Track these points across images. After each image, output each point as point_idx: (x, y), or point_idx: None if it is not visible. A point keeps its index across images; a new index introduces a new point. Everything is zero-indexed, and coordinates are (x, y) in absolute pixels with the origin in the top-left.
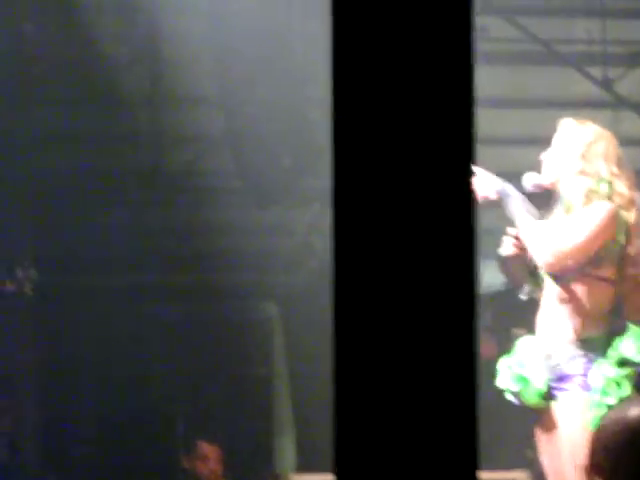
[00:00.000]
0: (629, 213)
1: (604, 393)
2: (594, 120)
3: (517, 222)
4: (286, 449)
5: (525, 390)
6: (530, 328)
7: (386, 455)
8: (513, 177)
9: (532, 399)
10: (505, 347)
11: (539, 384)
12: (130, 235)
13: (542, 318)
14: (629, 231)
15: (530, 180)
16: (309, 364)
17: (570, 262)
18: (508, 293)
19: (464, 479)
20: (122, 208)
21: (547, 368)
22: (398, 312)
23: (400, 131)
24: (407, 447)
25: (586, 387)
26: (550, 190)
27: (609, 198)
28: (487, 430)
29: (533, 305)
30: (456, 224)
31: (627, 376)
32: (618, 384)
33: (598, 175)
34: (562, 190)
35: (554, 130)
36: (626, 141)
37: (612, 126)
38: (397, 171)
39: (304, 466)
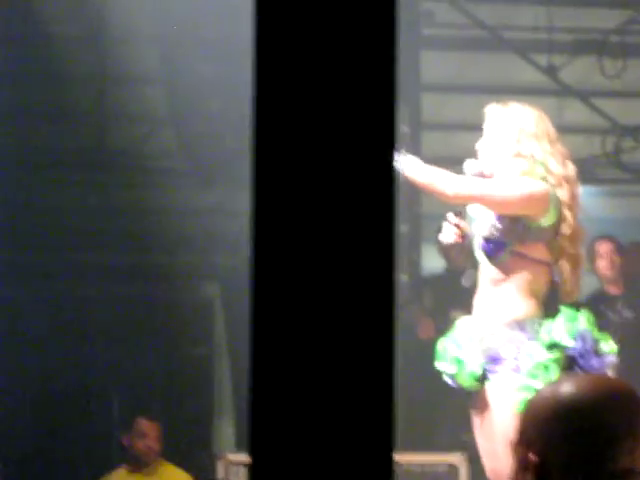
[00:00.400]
0: (562, 191)
1: (532, 376)
2: (538, 107)
3: (424, 177)
4: (225, 428)
5: (460, 372)
6: (468, 310)
7: (301, 437)
8: (457, 162)
9: (467, 381)
10: (444, 329)
11: (474, 366)
12: (72, 214)
13: (478, 300)
14: (562, 209)
15: (470, 167)
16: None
17: (473, 202)
18: (448, 275)
19: (379, 460)
20: (65, 187)
21: (481, 350)
22: (317, 297)
23: (322, 118)
24: (322, 427)
25: (517, 370)
26: (489, 175)
27: (544, 179)
28: (425, 412)
29: (472, 287)
30: (377, 212)
31: (556, 360)
32: (546, 368)
33: (533, 157)
34: (499, 174)
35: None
36: (570, 129)
37: (556, 113)
38: (318, 160)
39: (243, 446)
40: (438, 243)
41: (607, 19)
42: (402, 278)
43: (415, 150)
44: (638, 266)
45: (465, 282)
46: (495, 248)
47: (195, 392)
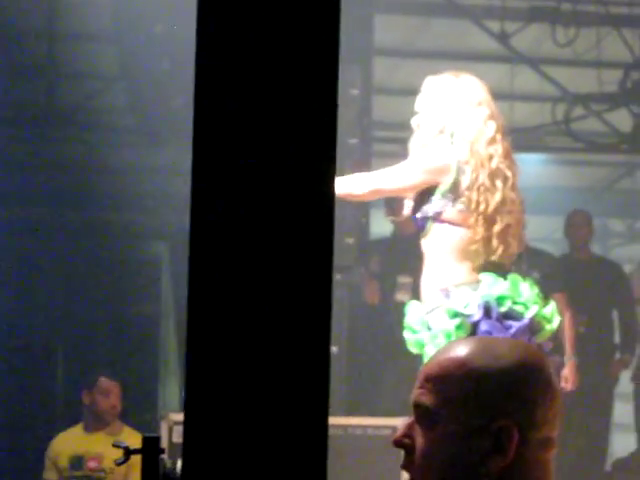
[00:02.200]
0: (464, 152)
1: (434, 343)
2: (490, 74)
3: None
4: (170, 388)
5: (410, 339)
6: (415, 275)
7: (237, 396)
8: (407, 127)
9: (415, 347)
10: (390, 293)
11: (419, 334)
12: (22, 170)
13: (422, 269)
14: (461, 171)
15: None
16: None
17: (380, 195)
18: (395, 240)
19: (314, 422)
20: (16, 142)
21: (424, 318)
22: (255, 248)
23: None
24: (258, 386)
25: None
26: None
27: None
28: (370, 376)
29: (418, 252)
30: (316, 198)
31: (459, 327)
32: (448, 335)
33: (451, 131)
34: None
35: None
36: (521, 96)
37: (507, 80)
38: (260, 118)
39: None
40: (387, 202)
41: None
42: (349, 241)
43: (366, 113)
44: (580, 231)
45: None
46: (421, 222)
47: (141, 351)
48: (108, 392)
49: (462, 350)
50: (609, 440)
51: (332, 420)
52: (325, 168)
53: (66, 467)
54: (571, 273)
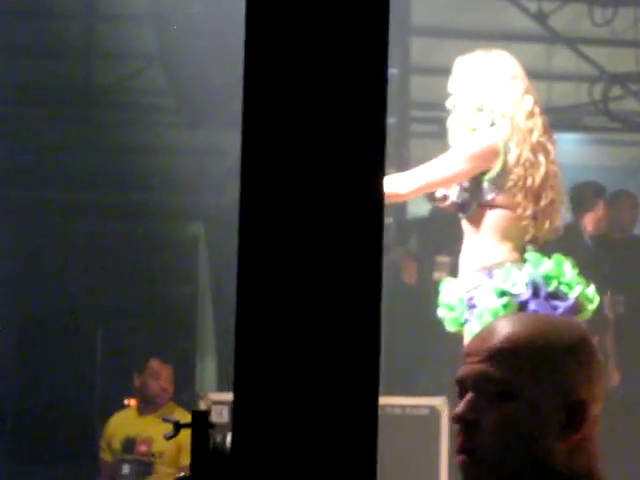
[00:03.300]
0: (507, 129)
1: (480, 322)
2: (527, 53)
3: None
4: (208, 368)
5: (446, 317)
6: (453, 255)
7: (285, 377)
8: (443, 107)
9: (452, 326)
10: (428, 273)
11: (457, 312)
12: (60, 151)
13: (462, 250)
14: (510, 150)
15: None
16: (235, 285)
17: (426, 191)
18: (434, 220)
19: (364, 403)
20: (54, 123)
21: (463, 297)
22: (305, 238)
23: (313, 63)
24: (308, 368)
25: (486, 316)
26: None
27: (492, 125)
28: (409, 356)
29: (457, 232)
30: (367, 162)
31: (506, 306)
32: (495, 313)
33: (491, 109)
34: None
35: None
36: (558, 76)
37: (544, 60)
38: (309, 104)
39: (226, 385)
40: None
41: None
42: (388, 221)
43: (403, 93)
44: (623, 214)
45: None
46: (464, 206)
47: (179, 331)
48: (158, 375)
49: (530, 325)
50: None
51: None
52: (375, 157)
53: (118, 449)
54: (608, 253)
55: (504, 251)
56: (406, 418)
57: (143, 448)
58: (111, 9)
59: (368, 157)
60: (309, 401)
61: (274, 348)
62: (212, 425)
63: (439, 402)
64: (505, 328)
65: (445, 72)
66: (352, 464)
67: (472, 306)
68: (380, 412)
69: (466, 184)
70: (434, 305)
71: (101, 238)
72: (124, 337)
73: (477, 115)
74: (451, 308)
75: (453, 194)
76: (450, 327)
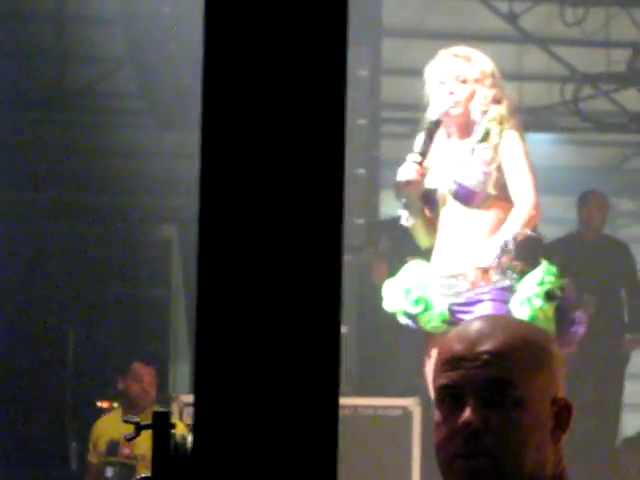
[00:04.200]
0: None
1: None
2: (499, 54)
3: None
4: (181, 370)
5: (426, 313)
6: (423, 256)
7: (247, 382)
8: (415, 108)
9: (433, 322)
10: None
11: (441, 308)
12: (31, 153)
13: (443, 243)
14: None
15: (439, 109)
16: None
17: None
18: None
19: (325, 403)
20: (25, 126)
21: (453, 292)
22: (265, 239)
23: (272, 68)
24: (267, 368)
25: (497, 312)
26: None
27: (509, 122)
28: (380, 357)
29: (413, 227)
30: (327, 154)
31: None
32: (545, 313)
33: (502, 101)
34: (475, 117)
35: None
36: (529, 76)
37: (516, 61)
38: (269, 107)
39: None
40: (395, 183)
41: None
42: (358, 222)
43: (374, 94)
44: (593, 214)
45: (406, 221)
46: (472, 194)
47: (152, 333)
48: (141, 378)
49: (518, 328)
50: (620, 420)
51: (342, 400)
52: (334, 149)
53: (103, 452)
54: (578, 253)
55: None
56: (378, 419)
57: (126, 451)
58: (81, 11)
59: (328, 154)
60: (270, 401)
61: (234, 348)
62: (173, 425)
63: (411, 403)
64: (498, 331)
65: (417, 73)
66: (313, 464)
67: (473, 302)
68: (352, 413)
69: (487, 176)
70: None
71: (73, 240)
72: (96, 340)
73: (493, 107)
74: (431, 304)
75: (462, 176)
76: (429, 323)
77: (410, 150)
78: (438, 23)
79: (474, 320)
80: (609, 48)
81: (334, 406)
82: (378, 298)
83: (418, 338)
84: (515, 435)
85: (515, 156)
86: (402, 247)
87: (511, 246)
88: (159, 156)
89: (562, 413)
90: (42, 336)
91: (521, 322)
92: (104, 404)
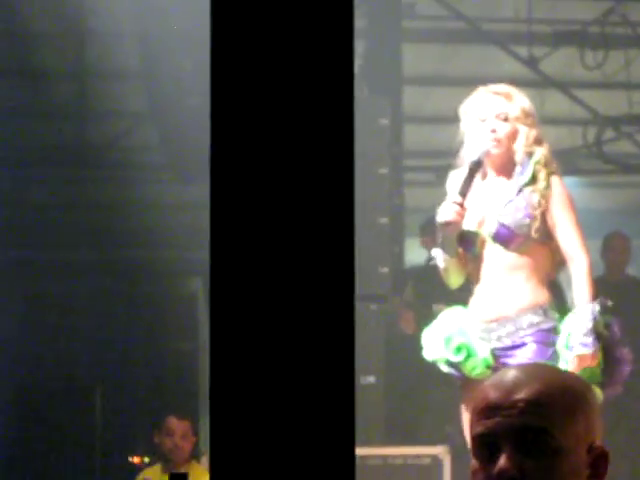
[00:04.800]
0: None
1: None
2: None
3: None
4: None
5: (469, 360)
6: (450, 303)
7: (263, 435)
8: (438, 155)
9: (477, 369)
10: (426, 322)
11: (484, 353)
12: (55, 211)
13: (484, 287)
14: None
15: (480, 149)
16: None
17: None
18: (430, 268)
19: (341, 457)
20: (48, 183)
21: (495, 337)
22: (277, 289)
23: (280, 113)
24: (284, 425)
25: (541, 354)
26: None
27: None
28: (409, 405)
29: (444, 267)
30: (337, 208)
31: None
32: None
33: (542, 142)
34: (521, 159)
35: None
36: (551, 120)
37: (537, 105)
38: (277, 154)
39: None
40: (422, 231)
41: (587, 10)
42: (383, 270)
43: (396, 143)
44: (618, 256)
45: (441, 262)
46: (513, 236)
47: (181, 387)
48: (172, 431)
49: (554, 376)
50: None
51: (371, 450)
52: (344, 187)
53: None
54: (606, 295)
55: (548, 290)
56: (408, 468)
57: None
58: (101, 67)
59: (338, 184)
60: (286, 455)
61: (248, 399)
62: None
63: (441, 451)
64: (533, 379)
65: (438, 120)
66: None
67: (517, 346)
68: (382, 462)
69: (530, 218)
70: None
71: (98, 297)
72: (126, 396)
73: (538, 148)
74: (474, 351)
75: (505, 217)
76: (473, 370)
77: (434, 197)
78: (458, 70)
79: (510, 368)
80: (630, 90)
81: (350, 455)
82: (405, 346)
83: (446, 386)
84: None
85: (565, 206)
86: (428, 295)
87: (599, 315)
88: (182, 210)
89: (599, 461)
90: (71, 393)
91: (556, 370)
92: (136, 459)
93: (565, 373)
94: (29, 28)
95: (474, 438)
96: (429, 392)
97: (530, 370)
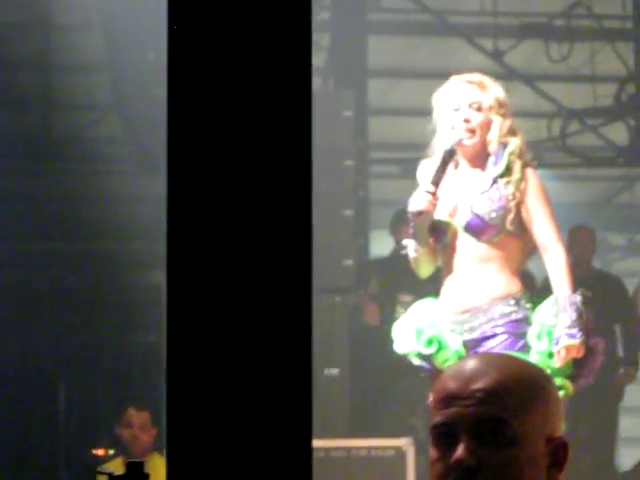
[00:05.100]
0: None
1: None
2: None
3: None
4: None
5: (440, 353)
6: (416, 294)
7: (219, 424)
8: (404, 148)
9: (450, 361)
10: (392, 313)
11: (456, 345)
12: (18, 202)
13: (452, 278)
14: None
15: (453, 138)
16: None
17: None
18: (395, 260)
19: (298, 448)
20: (12, 174)
21: (463, 329)
22: (234, 282)
23: (237, 110)
24: (240, 416)
25: (512, 346)
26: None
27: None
28: (372, 397)
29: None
30: (295, 199)
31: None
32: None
33: (517, 133)
34: (494, 149)
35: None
36: (516, 113)
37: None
38: (235, 150)
39: None
40: (393, 221)
41: (553, 3)
42: (347, 263)
43: (361, 135)
44: (583, 249)
45: (413, 252)
46: (486, 227)
47: (145, 379)
48: (131, 423)
49: (513, 365)
50: (615, 454)
51: (335, 442)
52: (302, 177)
53: None
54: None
55: (519, 280)
56: (372, 460)
57: None
58: (66, 59)
59: (295, 178)
60: (243, 445)
61: (204, 386)
62: (147, 475)
63: (404, 443)
64: (492, 369)
65: (403, 113)
66: None
67: (490, 336)
68: (346, 454)
69: (503, 211)
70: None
71: (62, 288)
72: (90, 387)
73: (512, 139)
74: (445, 343)
75: (478, 207)
76: (445, 362)
77: (399, 189)
78: (423, 63)
79: (470, 357)
80: (595, 83)
81: (307, 447)
82: (369, 339)
83: (410, 378)
84: (509, 473)
85: (539, 199)
86: (394, 286)
87: (581, 305)
88: (146, 202)
89: (558, 451)
90: (34, 384)
91: (517, 360)
92: (100, 452)
93: (525, 363)
94: None
95: (432, 427)
96: (393, 384)
97: (489, 360)
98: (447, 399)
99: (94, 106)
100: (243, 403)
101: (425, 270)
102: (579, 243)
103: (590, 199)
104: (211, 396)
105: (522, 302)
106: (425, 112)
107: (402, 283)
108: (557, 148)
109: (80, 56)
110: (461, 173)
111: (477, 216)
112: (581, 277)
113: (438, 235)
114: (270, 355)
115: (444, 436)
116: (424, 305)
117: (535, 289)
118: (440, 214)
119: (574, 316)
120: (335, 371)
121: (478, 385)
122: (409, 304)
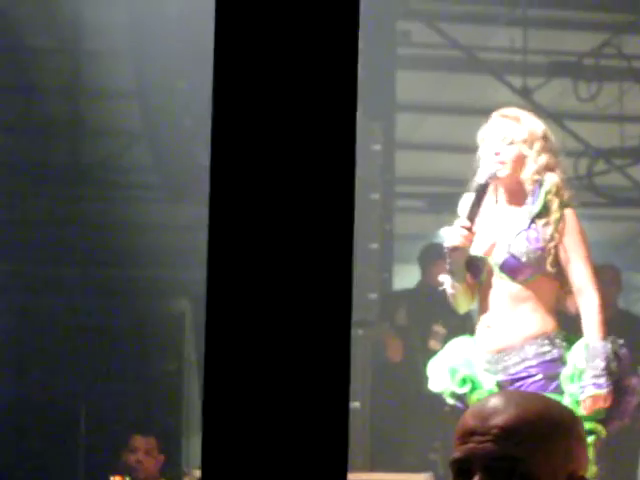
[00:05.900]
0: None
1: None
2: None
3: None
4: (194, 445)
5: (474, 392)
6: (447, 326)
7: (253, 456)
8: (431, 182)
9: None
10: (416, 346)
11: (489, 385)
12: (46, 227)
13: (491, 317)
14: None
15: (486, 172)
16: None
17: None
18: (421, 293)
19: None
20: (40, 200)
21: (497, 368)
22: (274, 314)
23: (282, 134)
24: (275, 447)
25: (545, 387)
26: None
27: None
28: (394, 432)
29: (446, 305)
30: (336, 229)
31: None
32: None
33: (555, 169)
34: (531, 186)
35: (472, 136)
36: None
37: None
38: (278, 174)
39: None
40: (420, 254)
41: (582, 42)
42: (372, 296)
43: (388, 169)
44: (610, 288)
45: (450, 288)
46: (522, 267)
47: (165, 408)
48: (135, 448)
49: (534, 403)
50: None
51: (356, 476)
52: (344, 211)
53: None
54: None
55: (554, 320)
56: None
57: None
58: (96, 86)
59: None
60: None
61: (240, 421)
62: None
63: (425, 478)
64: (511, 406)
65: (430, 147)
66: None
67: (521, 378)
68: None
69: (542, 251)
70: (420, 381)
71: (87, 315)
72: (108, 413)
73: (548, 176)
74: (479, 382)
75: (515, 247)
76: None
77: (424, 224)
78: (451, 98)
79: (494, 394)
80: (622, 123)
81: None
82: (391, 373)
83: (431, 414)
84: None
85: (577, 241)
86: (420, 321)
87: (611, 354)
88: (173, 230)
89: None
90: (54, 412)
91: (541, 397)
92: (116, 478)
93: (549, 401)
94: (25, 43)
95: (451, 463)
96: (414, 419)
97: (511, 396)
98: (466, 435)
99: (123, 134)
100: (279, 435)
101: (463, 306)
102: (604, 282)
103: (614, 238)
104: (245, 430)
105: (557, 341)
106: (451, 147)
107: (431, 316)
108: (583, 187)
109: (110, 83)
110: (500, 209)
111: (513, 256)
112: (608, 318)
113: (474, 271)
114: (308, 389)
115: (461, 472)
116: (458, 343)
117: (572, 325)
118: (476, 250)
119: (602, 365)
120: (357, 405)
121: (495, 422)
122: (442, 335)
